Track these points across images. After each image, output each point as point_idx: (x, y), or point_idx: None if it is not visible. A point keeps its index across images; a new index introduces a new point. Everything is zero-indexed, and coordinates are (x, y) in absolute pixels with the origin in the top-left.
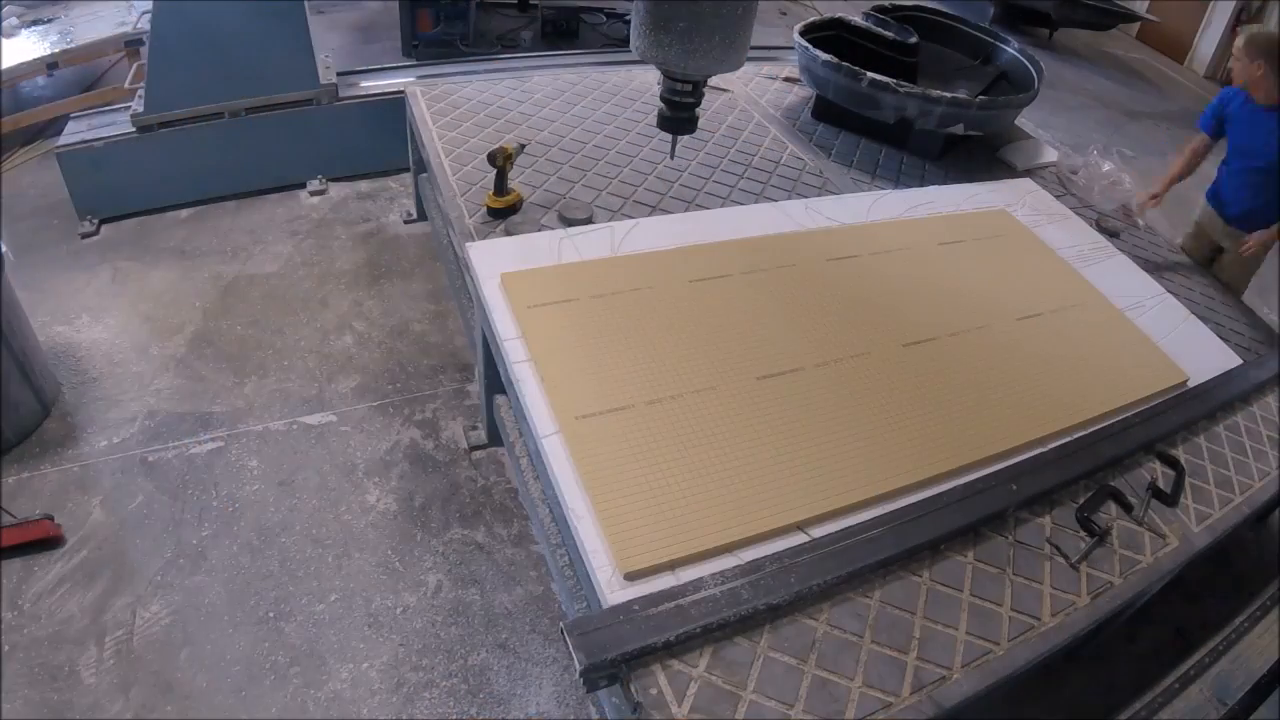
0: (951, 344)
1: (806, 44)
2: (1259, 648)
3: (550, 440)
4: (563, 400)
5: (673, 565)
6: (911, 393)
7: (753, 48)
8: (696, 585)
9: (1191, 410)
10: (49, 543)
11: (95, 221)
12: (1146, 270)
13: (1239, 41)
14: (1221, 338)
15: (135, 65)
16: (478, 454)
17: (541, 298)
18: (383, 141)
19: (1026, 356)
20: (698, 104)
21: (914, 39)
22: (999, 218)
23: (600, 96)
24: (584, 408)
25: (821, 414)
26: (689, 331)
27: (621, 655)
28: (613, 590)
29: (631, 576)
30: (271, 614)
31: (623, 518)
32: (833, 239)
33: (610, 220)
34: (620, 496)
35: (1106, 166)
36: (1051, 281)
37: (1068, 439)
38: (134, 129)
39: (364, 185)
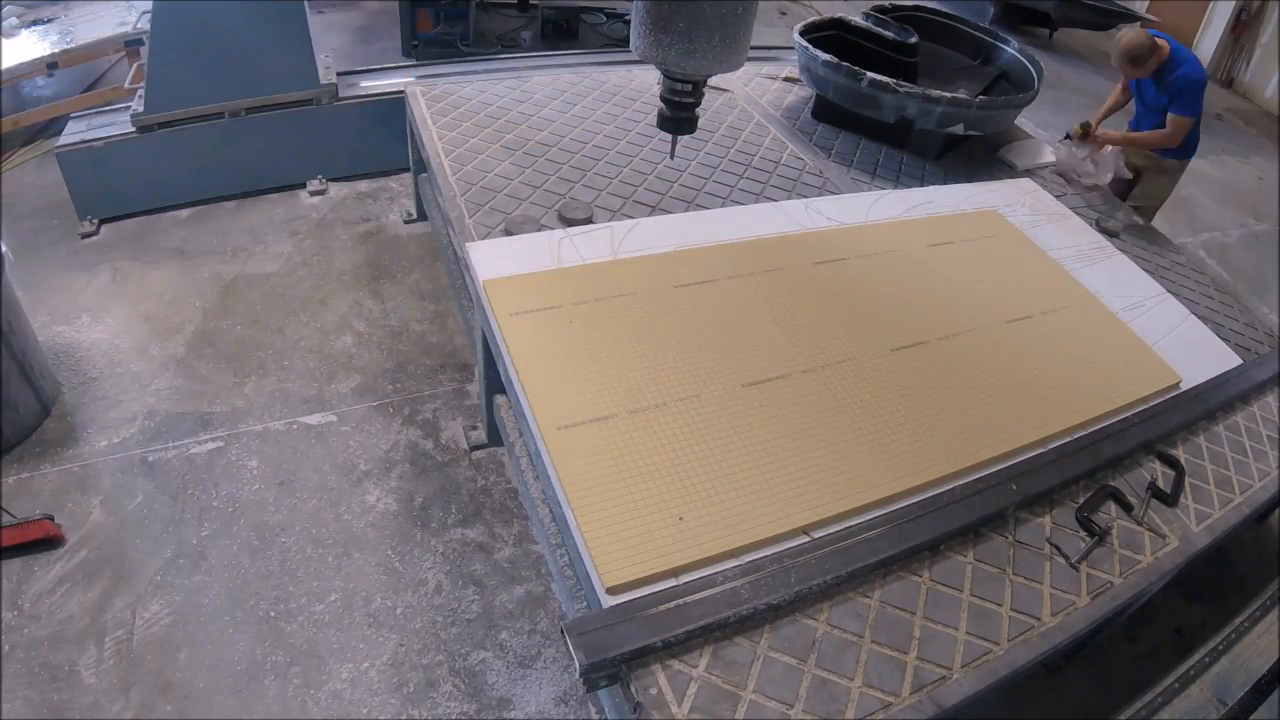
0: (940, 348)
1: (806, 44)
2: (1259, 648)
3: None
4: (544, 410)
5: (657, 579)
6: (900, 398)
7: (753, 48)
8: (696, 585)
9: (1191, 410)
10: (49, 543)
11: (95, 221)
12: (1146, 270)
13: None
14: (1221, 338)
15: (135, 65)
16: (478, 454)
17: (524, 305)
18: (383, 141)
19: (1016, 360)
20: (698, 104)
21: (914, 39)
22: (989, 219)
23: (600, 96)
24: (566, 418)
25: (808, 421)
26: (673, 338)
27: (621, 655)
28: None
29: (615, 591)
30: (271, 614)
31: (606, 530)
32: (820, 242)
33: (610, 220)
34: (603, 509)
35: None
36: (1042, 283)
37: (1065, 440)
38: (134, 129)
39: (364, 185)
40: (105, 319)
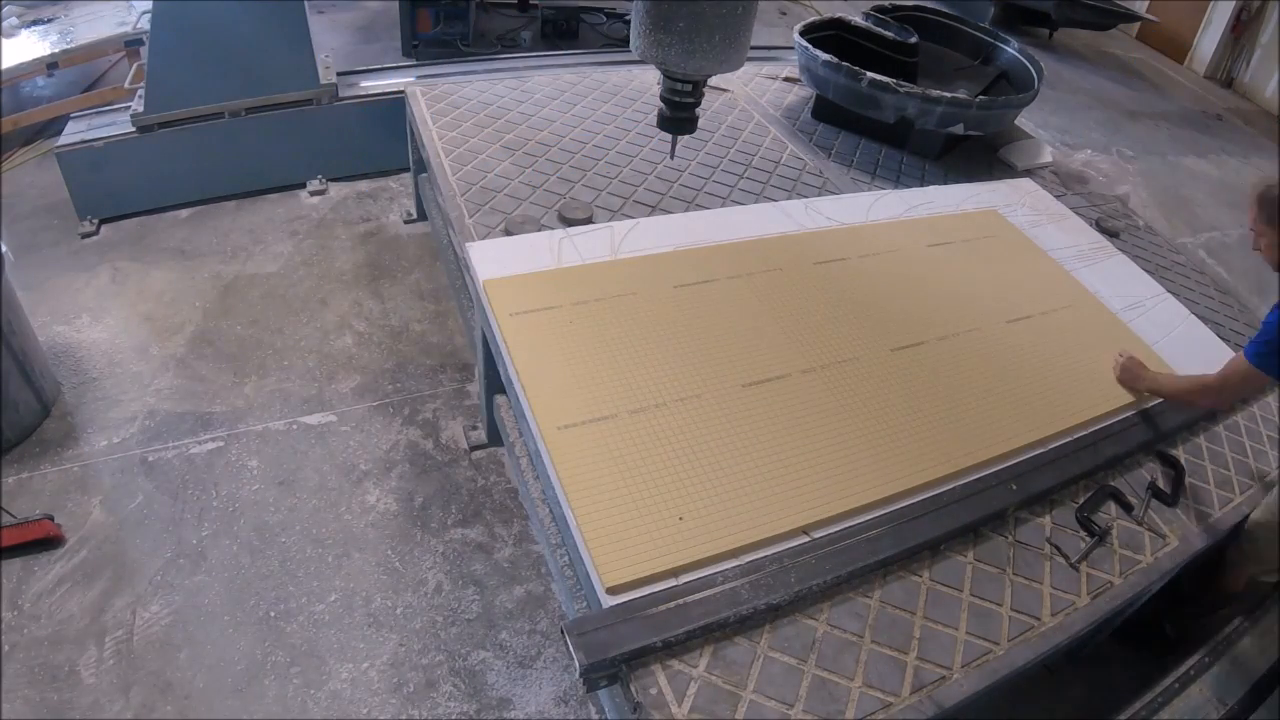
0: (940, 348)
1: (806, 44)
2: (1259, 648)
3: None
4: (544, 410)
5: (657, 579)
6: (900, 398)
7: (753, 48)
8: (696, 585)
9: (1191, 410)
10: (49, 543)
11: (95, 221)
12: (1146, 270)
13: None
14: (1221, 338)
15: (135, 65)
16: (478, 454)
17: (524, 305)
18: (383, 141)
19: (1016, 360)
20: (698, 104)
21: (914, 39)
22: (989, 218)
23: (600, 96)
24: (566, 418)
25: (808, 422)
26: (674, 338)
27: (621, 655)
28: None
29: (615, 591)
30: (271, 614)
31: (606, 530)
32: (820, 242)
33: (610, 220)
34: (603, 508)
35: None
36: (1042, 283)
37: (1065, 440)
38: (134, 129)
39: (364, 185)
40: (105, 319)
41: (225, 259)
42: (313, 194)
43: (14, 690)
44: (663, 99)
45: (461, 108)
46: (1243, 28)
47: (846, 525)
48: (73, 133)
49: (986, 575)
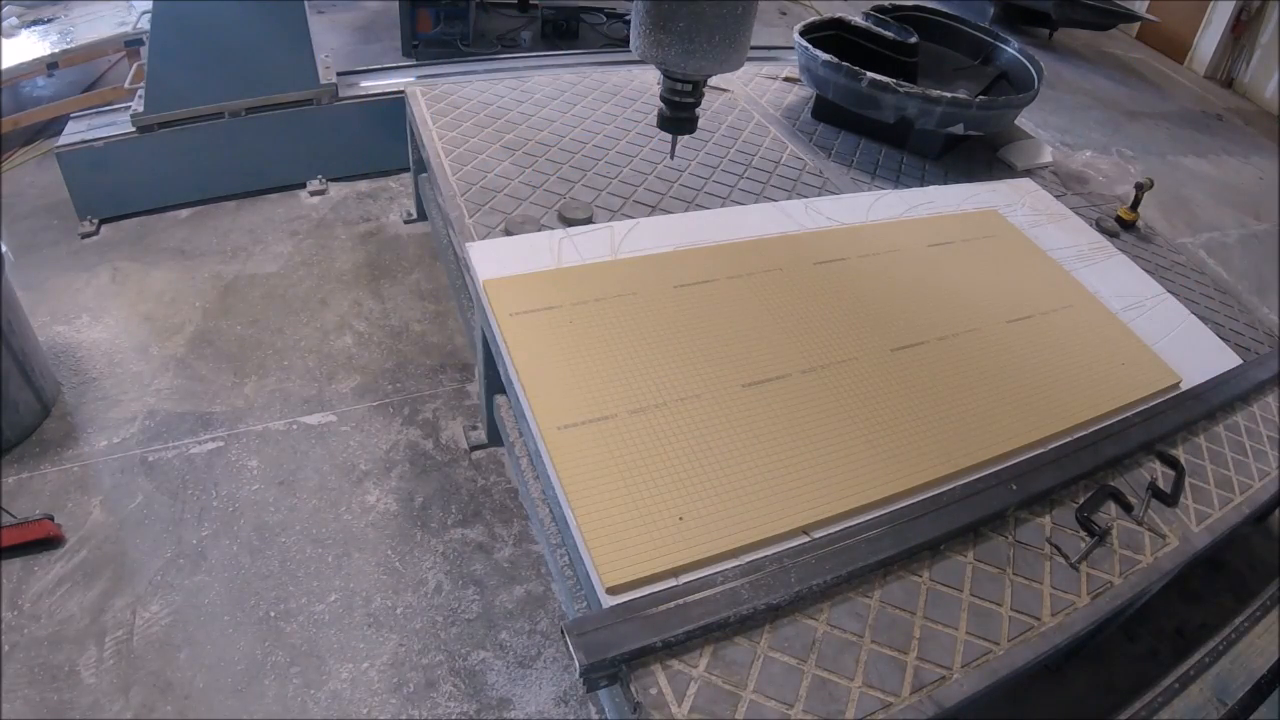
0: (941, 348)
1: (806, 44)
2: (1259, 648)
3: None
4: (544, 410)
5: (657, 579)
6: (900, 398)
7: (753, 48)
8: (696, 585)
9: (1191, 410)
10: (49, 543)
11: (95, 221)
12: (1146, 270)
13: None
14: (1221, 338)
15: (135, 65)
16: (478, 454)
17: (524, 305)
18: (383, 141)
19: (1017, 360)
20: (698, 104)
21: (914, 39)
22: (989, 218)
23: (600, 96)
24: (566, 418)
25: (808, 422)
26: (673, 338)
27: (621, 655)
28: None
29: (614, 591)
30: (271, 614)
31: (605, 531)
32: (820, 241)
33: (610, 220)
34: (603, 509)
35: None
36: (1042, 283)
37: (1065, 440)
38: (134, 129)
39: (364, 185)
40: (105, 319)
41: (225, 259)
42: (313, 194)
43: (14, 690)
44: (663, 99)
45: (461, 108)
46: (1243, 28)
47: (846, 525)
48: (73, 133)
49: (986, 575)
